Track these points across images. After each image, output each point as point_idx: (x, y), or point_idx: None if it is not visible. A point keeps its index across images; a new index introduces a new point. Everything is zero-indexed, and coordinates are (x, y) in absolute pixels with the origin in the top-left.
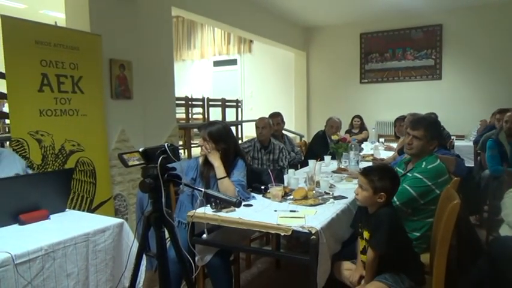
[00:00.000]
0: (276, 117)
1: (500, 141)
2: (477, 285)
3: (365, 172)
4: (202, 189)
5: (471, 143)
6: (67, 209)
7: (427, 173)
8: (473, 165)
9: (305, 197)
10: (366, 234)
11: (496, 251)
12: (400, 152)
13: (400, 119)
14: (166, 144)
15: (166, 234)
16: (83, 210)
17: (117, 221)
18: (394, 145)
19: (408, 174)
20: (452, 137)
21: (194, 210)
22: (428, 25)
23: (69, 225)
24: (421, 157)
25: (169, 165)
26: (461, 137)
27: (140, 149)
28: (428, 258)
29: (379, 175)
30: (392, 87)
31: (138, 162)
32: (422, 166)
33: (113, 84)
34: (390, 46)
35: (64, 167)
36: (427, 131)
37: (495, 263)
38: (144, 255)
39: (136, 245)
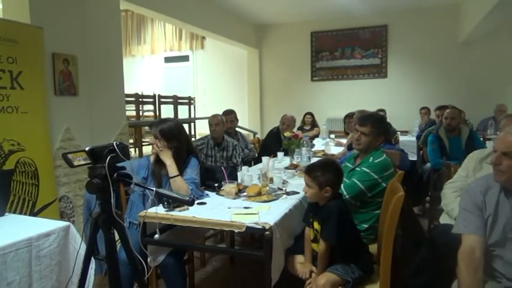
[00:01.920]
0: (230, 114)
1: (440, 136)
2: (420, 270)
3: (308, 170)
4: (154, 189)
5: (414, 138)
6: (6, 213)
7: (374, 167)
8: (416, 159)
9: (259, 194)
10: (316, 225)
11: (437, 238)
12: (350, 147)
13: (349, 116)
14: (115, 143)
15: (117, 236)
16: (25, 214)
17: (62, 224)
18: (344, 141)
19: (357, 168)
20: (397, 133)
21: (146, 210)
22: (375, 26)
23: (9, 230)
24: (368, 152)
25: (119, 165)
26: (405, 133)
27: (87, 148)
28: (376, 249)
29: (321, 171)
30: (342, 85)
31: (84, 162)
32: (370, 161)
33: (57, 80)
34: (339, 45)
35: (2, 168)
36: (373, 128)
37: (436, 249)
38: (92, 259)
39: (84, 248)
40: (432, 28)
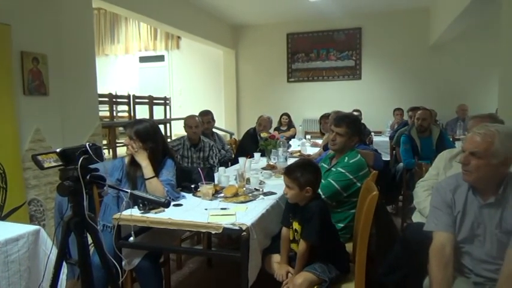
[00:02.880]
0: (206, 115)
1: (412, 137)
2: (393, 268)
3: (287, 172)
4: (129, 191)
5: (387, 139)
6: None
7: (349, 167)
8: (389, 159)
9: (236, 194)
10: (295, 225)
11: (409, 236)
12: (325, 147)
13: (324, 117)
14: (87, 144)
15: (90, 240)
16: None
17: (32, 228)
18: (320, 141)
19: (332, 169)
20: (371, 133)
21: (120, 213)
22: (349, 28)
23: None
24: (343, 152)
25: (92, 166)
26: (378, 133)
27: (58, 150)
28: (352, 247)
29: (301, 171)
30: (317, 86)
31: (55, 164)
32: (345, 161)
33: (25, 79)
34: (315, 47)
35: None
36: (348, 128)
37: (408, 247)
38: (64, 263)
39: (55, 252)
40: (404, 31)
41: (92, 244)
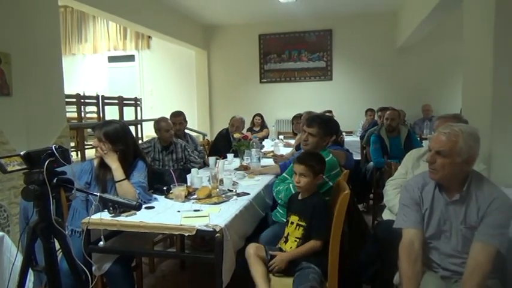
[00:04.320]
0: (178, 116)
1: (381, 136)
2: (365, 265)
3: (303, 160)
4: (98, 194)
5: (358, 138)
6: None
7: None
8: (360, 158)
9: (209, 196)
10: (293, 218)
11: (380, 234)
12: (298, 148)
13: (297, 117)
14: (53, 146)
15: (57, 245)
16: None
17: None
18: (293, 141)
19: None
20: (342, 133)
21: (89, 217)
22: (320, 30)
23: None
24: None
25: (59, 169)
26: (349, 133)
27: (22, 152)
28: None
29: (315, 160)
30: (290, 87)
31: (19, 167)
32: None
33: None
34: (287, 48)
35: None
36: (320, 128)
37: (379, 244)
38: (30, 271)
39: (20, 259)
40: (373, 34)
41: (60, 250)
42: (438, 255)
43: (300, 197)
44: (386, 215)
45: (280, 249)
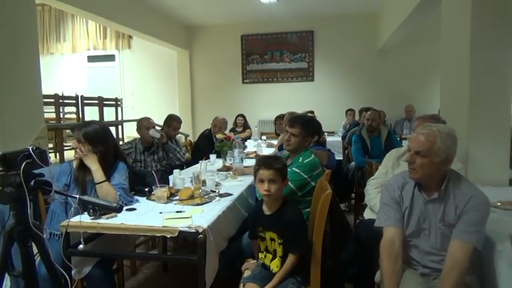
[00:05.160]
0: (178, 122)
1: (362, 136)
2: (347, 264)
3: (269, 165)
4: (77, 196)
5: (340, 138)
6: None
7: (304, 167)
8: (341, 158)
9: (191, 197)
10: (270, 235)
11: (362, 233)
12: (280, 148)
13: (279, 118)
14: (31, 148)
15: (35, 249)
16: None
17: None
18: (275, 142)
19: (288, 169)
20: (324, 133)
21: (68, 220)
22: (302, 31)
23: None
24: (298, 153)
25: (36, 171)
26: (331, 133)
27: None
28: None
29: (280, 162)
30: (272, 88)
31: None
32: (300, 161)
33: None
34: (269, 48)
35: None
36: (302, 129)
37: (361, 243)
38: (7, 276)
39: None
40: (354, 35)
41: (38, 254)
42: (418, 252)
43: (267, 212)
44: (367, 214)
45: (266, 267)
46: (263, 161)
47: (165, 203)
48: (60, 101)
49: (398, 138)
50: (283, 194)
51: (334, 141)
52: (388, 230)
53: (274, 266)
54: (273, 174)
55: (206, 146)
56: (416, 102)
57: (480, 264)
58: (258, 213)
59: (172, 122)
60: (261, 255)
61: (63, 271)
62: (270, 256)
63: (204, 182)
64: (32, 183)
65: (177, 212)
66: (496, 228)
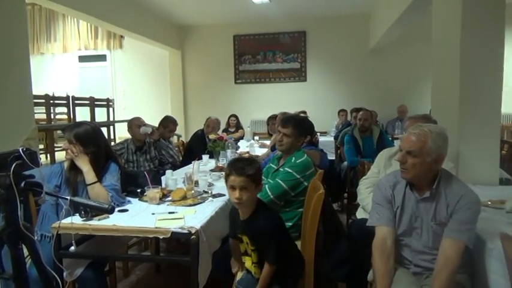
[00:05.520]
0: (175, 124)
1: (354, 136)
2: (340, 263)
3: (240, 171)
4: (68, 197)
5: (332, 138)
6: None
7: (296, 167)
8: (334, 158)
9: (184, 198)
10: (246, 239)
11: (354, 232)
12: (273, 148)
13: (272, 118)
14: (21, 149)
15: (26, 252)
16: None
17: None
18: (268, 142)
19: (280, 169)
20: (316, 133)
21: (59, 221)
22: (294, 31)
23: None
24: (291, 153)
25: (27, 173)
26: (324, 133)
27: None
28: (300, 246)
29: (252, 166)
30: (264, 88)
31: None
32: (292, 161)
33: None
34: (261, 49)
35: None
36: (295, 129)
37: (353, 242)
38: None
39: None
40: (346, 36)
41: (29, 256)
42: (410, 252)
43: (241, 217)
44: (360, 214)
45: (249, 271)
46: (234, 166)
47: (158, 203)
48: (51, 101)
49: (390, 138)
50: (274, 194)
51: (326, 141)
52: (380, 229)
53: (253, 270)
54: (245, 181)
55: (199, 146)
56: (408, 102)
57: (471, 263)
58: (236, 215)
59: (169, 123)
60: (243, 258)
61: (54, 273)
62: (249, 259)
63: (196, 183)
64: (23, 184)
65: (170, 212)
66: (486, 227)
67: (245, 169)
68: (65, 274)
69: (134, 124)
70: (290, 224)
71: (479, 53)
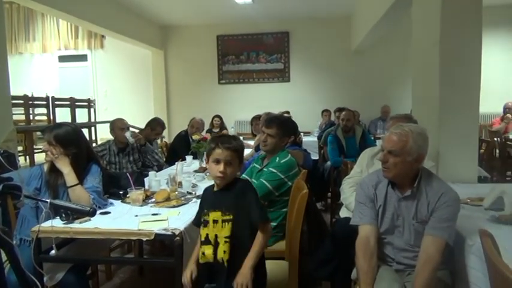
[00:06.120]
0: (162, 127)
1: (338, 136)
2: (324, 262)
3: (227, 144)
4: (48, 200)
5: (316, 138)
6: None
7: (280, 167)
8: (318, 158)
9: (167, 199)
10: (215, 216)
11: (338, 231)
12: (257, 148)
13: (256, 118)
14: None
15: (4, 257)
16: None
17: None
18: (252, 142)
19: (264, 169)
20: (300, 134)
21: (39, 225)
22: (278, 32)
23: None
24: (275, 153)
25: (4, 175)
26: (307, 133)
27: None
28: (285, 245)
29: (238, 143)
30: (248, 88)
31: None
32: (276, 161)
33: None
34: (245, 49)
35: None
36: (279, 129)
37: (337, 241)
38: None
39: None
40: (329, 37)
41: (7, 261)
42: (392, 249)
43: (215, 188)
44: (343, 213)
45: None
46: (221, 140)
47: (141, 205)
48: (30, 102)
49: (372, 138)
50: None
51: (310, 141)
52: (364, 228)
53: (221, 251)
54: (231, 156)
55: (182, 147)
56: (392, 103)
57: (452, 259)
58: (207, 192)
59: (156, 126)
60: (202, 248)
61: (34, 278)
62: (209, 247)
63: (180, 184)
64: (0, 187)
65: (153, 214)
66: (466, 224)
67: (232, 143)
68: (45, 279)
69: (117, 127)
70: (274, 224)
71: (458, 54)
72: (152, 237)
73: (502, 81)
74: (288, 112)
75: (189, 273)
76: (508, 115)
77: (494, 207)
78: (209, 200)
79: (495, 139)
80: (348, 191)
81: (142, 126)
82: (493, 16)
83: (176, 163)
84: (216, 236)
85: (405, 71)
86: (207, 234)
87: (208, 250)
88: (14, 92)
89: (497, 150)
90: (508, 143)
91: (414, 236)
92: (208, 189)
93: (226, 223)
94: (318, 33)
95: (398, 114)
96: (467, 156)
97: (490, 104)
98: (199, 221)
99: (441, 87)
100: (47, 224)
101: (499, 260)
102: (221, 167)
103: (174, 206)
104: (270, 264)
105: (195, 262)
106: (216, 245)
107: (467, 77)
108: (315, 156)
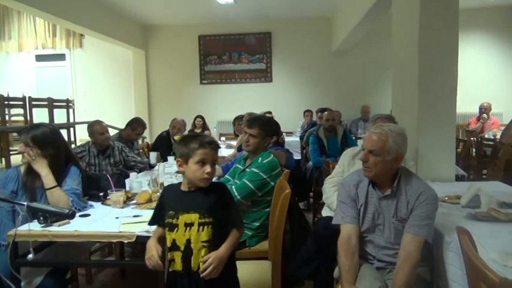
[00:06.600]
0: (144, 128)
1: (319, 137)
2: (306, 261)
3: (214, 145)
4: (25, 203)
5: (298, 138)
6: None
7: (263, 167)
8: (300, 157)
9: (149, 200)
10: (191, 218)
11: (320, 230)
12: (239, 149)
13: (238, 118)
14: None
15: None
16: None
17: None
18: (234, 143)
19: (247, 169)
20: (283, 134)
21: (16, 228)
22: (260, 32)
23: None
24: (257, 153)
25: None
26: (290, 134)
27: None
28: (268, 245)
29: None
30: (230, 88)
31: None
32: (259, 161)
33: None
34: (227, 49)
35: None
36: (261, 130)
37: (319, 240)
38: None
39: None
40: (310, 37)
41: None
42: (373, 247)
43: (184, 189)
44: (325, 212)
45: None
46: (208, 140)
47: (122, 207)
48: (6, 102)
49: (353, 138)
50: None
51: (292, 141)
52: (345, 227)
53: (197, 259)
54: (216, 155)
55: (164, 148)
56: (372, 103)
57: (431, 256)
58: (174, 191)
59: (138, 126)
60: (170, 254)
61: (10, 284)
62: (178, 254)
63: (162, 185)
64: None
65: (135, 216)
66: (444, 222)
67: (216, 143)
68: (22, 284)
69: (97, 132)
70: (257, 224)
71: (436, 57)
72: (134, 239)
73: (477, 82)
74: (270, 112)
75: (155, 253)
76: (484, 115)
77: (471, 205)
78: (177, 201)
79: (472, 138)
80: (330, 191)
81: (123, 126)
82: (469, 19)
83: (158, 164)
84: (188, 241)
85: (385, 71)
86: (174, 240)
87: (177, 257)
88: None
89: (474, 149)
90: (484, 142)
91: (394, 234)
92: (172, 189)
93: (206, 226)
94: (300, 34)
95: (381, 114)
96: (445, 156)
97: (466, 105)
98: (158, 221)
99: (420, 87)
100: (24, 228)
101: (476, 256)
102: (208, 168)
103: None
104: (253, 264)
105: (156, 240)
106: (187, 252)
107: (445, 79)
108: (297, 156)
